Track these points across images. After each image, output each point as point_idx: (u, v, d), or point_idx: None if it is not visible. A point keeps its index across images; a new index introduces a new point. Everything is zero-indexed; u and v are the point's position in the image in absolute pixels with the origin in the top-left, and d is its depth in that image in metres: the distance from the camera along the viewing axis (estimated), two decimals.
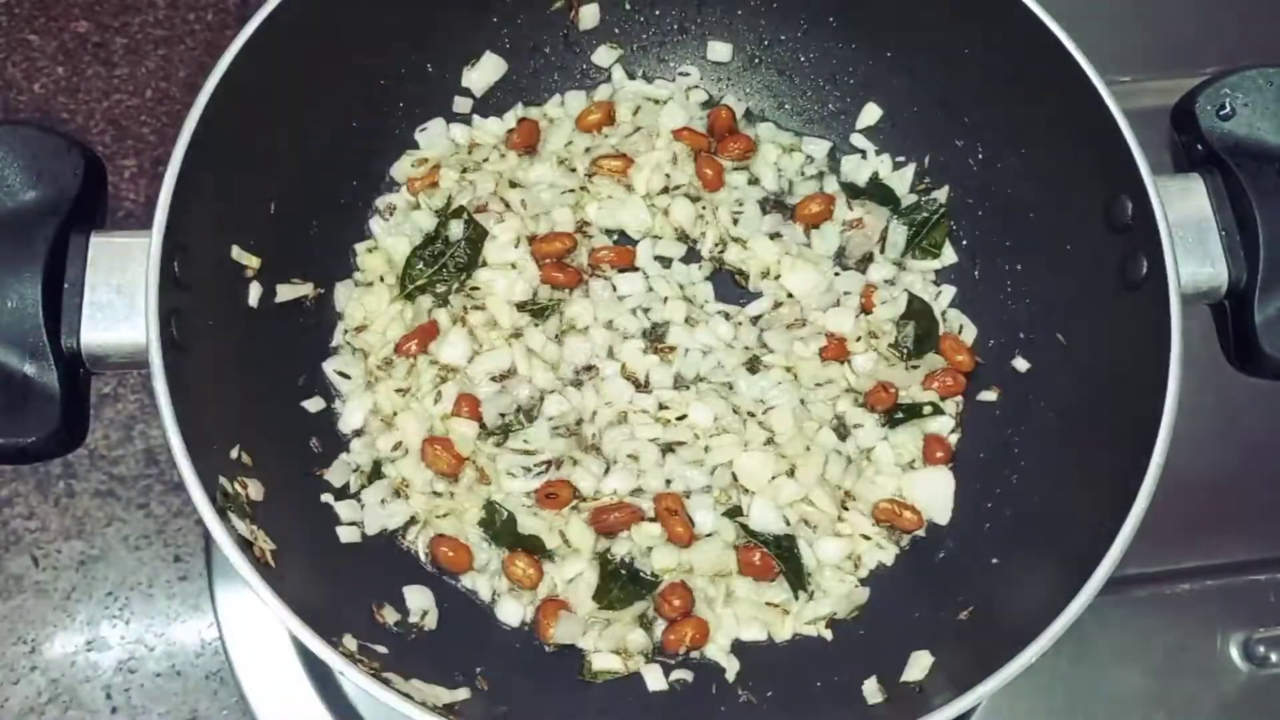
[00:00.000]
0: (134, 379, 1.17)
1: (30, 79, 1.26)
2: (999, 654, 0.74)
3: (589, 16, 1.05)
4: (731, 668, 0.90)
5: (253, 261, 0.88)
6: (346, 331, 0.98)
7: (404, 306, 0.98)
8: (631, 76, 1.07)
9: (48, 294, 0.76)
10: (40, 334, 0.76)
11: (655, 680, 0.88)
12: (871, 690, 0.84)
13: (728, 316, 1.00)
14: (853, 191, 1.04)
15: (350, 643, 0.78)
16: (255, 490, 0.83)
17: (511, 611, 0.91)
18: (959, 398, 0.99)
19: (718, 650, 0.91)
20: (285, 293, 0.93)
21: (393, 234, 1.00)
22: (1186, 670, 1.06)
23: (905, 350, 0.98)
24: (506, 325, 0.97)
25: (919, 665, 0.83)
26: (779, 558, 0.91)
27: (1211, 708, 1.06)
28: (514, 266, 0.98)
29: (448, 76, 1.03)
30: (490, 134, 1.04)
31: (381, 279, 0.99)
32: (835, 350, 0.98)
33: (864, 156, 1.05)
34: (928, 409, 0.97)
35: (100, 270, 0.78)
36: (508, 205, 1.00)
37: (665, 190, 1.03)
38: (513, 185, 1.01)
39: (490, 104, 1.05)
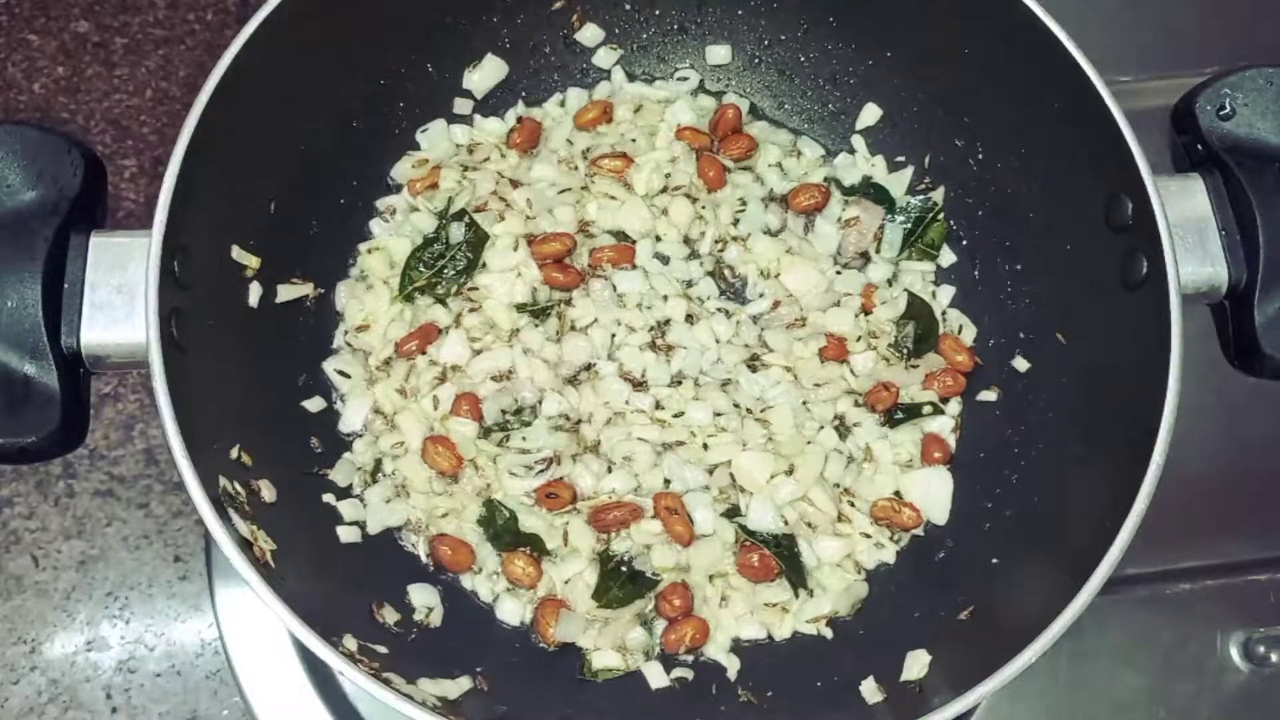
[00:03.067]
0: (134, 379, 1.17)
1: (30, 79, 1.26)
2: (999, 654, 0.74)
3: (591, 35, 1.05)
4: (732, 667, 0.90)
5: (252, 261, 0.88)
6: (347, 332, 0.98)
7: (404, 307, 0.98)
8: (631, 78, 1.07)
9: (47, 294, 0.76)
10: (40, 334, 0.76)
11: (656, 677, 0.88)
12: (871, 690, 0.84)
13: (728, 314, 1.00)
14: (847, 190, 1.04)
15: (350, 642, 0.78)
16: (268, 493, 0.83)
17: (511, 611, 0.91)
18: (958, 398, 0.99)
19: (718, 650, 0.91)
20: (285, 293, 0.94)
21: (394, 235, 1.00)
22: (1186, 670, 1.06)
23: (905, 350, 0.98)
24: (506, 327, 0.97)
25: (918, 664, 0.83)
26: (779, 557, 0.91)
27: (1211, 708, 1.05)
28: (518, 274, 0.98)
29: (448, 77, 1.03)
30: (491, 134, 1.04)
31: (385, 282, 0.99)
32: (835, 350, 0.98)
33: (854, 162, 1.06)
34: (927, 409, 0.97)
35: (100, 270, 0.78)
36: (508, 204, 1.00)
37: (665, 190, 1.03)
38: (514, 185, 1.01)
39: (489, 104, 1.05)
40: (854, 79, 1.05)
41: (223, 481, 0.78)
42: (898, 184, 1.04)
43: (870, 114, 1.05)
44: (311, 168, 0.95)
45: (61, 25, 1.28)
